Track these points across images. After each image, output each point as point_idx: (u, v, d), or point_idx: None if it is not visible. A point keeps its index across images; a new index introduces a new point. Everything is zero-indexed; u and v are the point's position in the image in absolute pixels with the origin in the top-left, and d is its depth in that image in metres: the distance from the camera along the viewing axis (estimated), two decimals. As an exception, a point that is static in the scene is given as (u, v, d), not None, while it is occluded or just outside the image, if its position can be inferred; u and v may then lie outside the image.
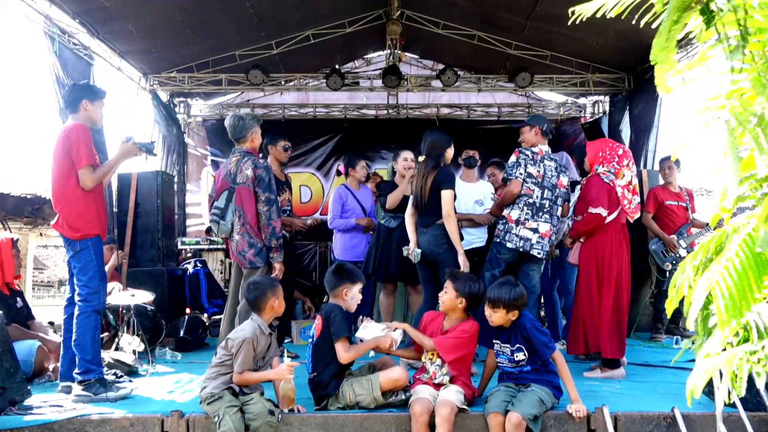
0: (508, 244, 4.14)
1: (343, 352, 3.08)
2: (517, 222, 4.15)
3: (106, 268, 4.71)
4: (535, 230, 4.14)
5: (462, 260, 3.97)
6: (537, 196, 4.18)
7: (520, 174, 4.17)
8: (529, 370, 3.11)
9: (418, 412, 2.89)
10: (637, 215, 4.19)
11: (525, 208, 4.16)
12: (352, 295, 3.26)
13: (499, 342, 3.19)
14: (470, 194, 5.14)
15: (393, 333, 3.22)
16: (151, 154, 3.75)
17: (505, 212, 4.25)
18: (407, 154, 4.96)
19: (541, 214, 4.18)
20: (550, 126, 4.44)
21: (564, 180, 4.31)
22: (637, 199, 4.14)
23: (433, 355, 3.21)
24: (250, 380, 2.99)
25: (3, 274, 4.22)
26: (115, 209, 6.21)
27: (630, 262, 4.14)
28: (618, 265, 4.02)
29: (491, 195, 5.30)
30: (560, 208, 4.32)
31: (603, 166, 4.12)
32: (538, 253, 4.15)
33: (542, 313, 6.00)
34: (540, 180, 4.20)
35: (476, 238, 5.11)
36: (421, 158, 4.23)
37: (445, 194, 4.02)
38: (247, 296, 3.21)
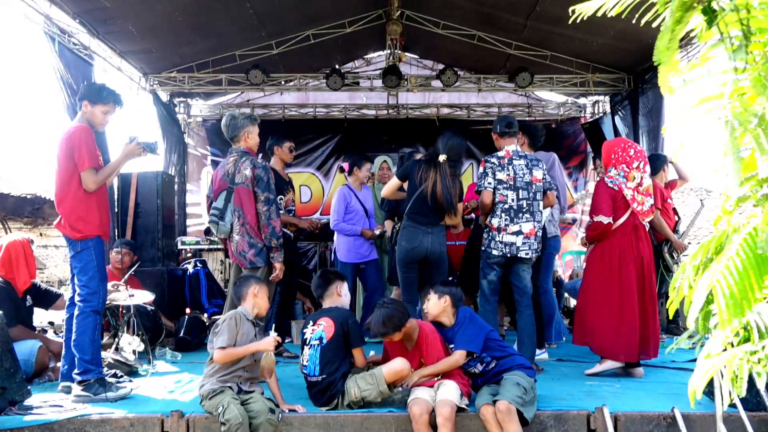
0: (494, 252, 4.14)
1: (362, 358, 3.23)
2: (499, 229, 4.14)
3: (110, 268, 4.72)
4: (518, 233, 4.13)
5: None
6: (512, 200, 4.16)
7: (489, 184, 4.16)
8: (493, 363, 3.17)
9: (417, 413, 2.90)
10: (650, 218, 4.14)
11: (503, 214, 4.15)
12: (345, 292, 3.41)
13: (449, 344, 3.25)
14: None
15: None
16: (155, 154, 3.76)
17: (487, 220, 4.27)
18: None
19: (521, 215, 4.16)
20: (506, 123, 4.36)
21: (538, 174, 4.27)
22: (650, 201, 4.08)
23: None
24: (234, 355, 2.97)
25: (29, 273, 4.25)
26: (115, 209, 6.21)
27: (651, 264, 4.09)
28: (628, 266, 3.98)
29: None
30: (541, 203, 4.29)
31: (615, 168, 4.10)
32: (526, 254, 4.15)
33: None
34: (512, 183, 4.18)
35: None
36: (442, 158, 4.13)
37: (461, 207, 4.25)
38: (233, 291, 3.30)
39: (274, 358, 3.06)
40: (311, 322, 3.31)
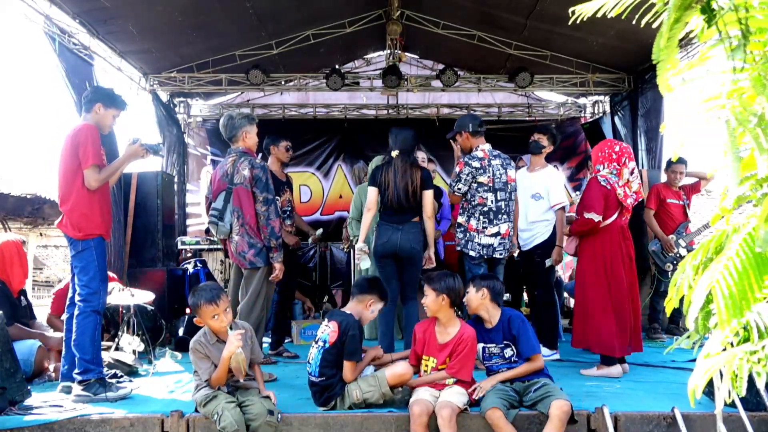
0: (471, 253, 4.17)
1: (350, 373, 3.12)
2: (477, 231, 4.18)
3: None
4: (496, 234, 4.18)
5: (432, 255, 4.10)
6: (492, 201, 4.20)
7: (459, 189, 4.19)
8: (517, 359, 3.17)
9: (417, 413, 2.89)
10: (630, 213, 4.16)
11: (481, 217, 4.18)
12: (373, 309, 3.32)
13: (484, 344, 3.22)
14: (527, 188, 4.76)
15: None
16: (158, 156, 3.79)
17: (462, 220, 4.29)
18: (422, 154, 4.92)
19: (500, 216, 4.21)
20: (478, 121, 4.36)
21: (512, 173, 4.32)
22: (636, 195, 4.09)
23: (427, 368, 3.21)
24: (221, 375, 2.91)
25: (24, 273, 4.28)
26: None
27: (634, 262, 4.15)
28: (619, 265, 4.03)
29: (558, 185, 4.79)
30: (514, 203, 4.33)
31: (604, 166, 4.12)
32: (501, 254, 4.23)
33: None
34: (491, 184, 4.20)
35: (534, 234, 4.75)
36: (394, 153, 4.14)
37: (429, 194, 4.06)
38: None
39: (242, 356, 2.89)
40: (326, 320, 3.30)
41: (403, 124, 9.25)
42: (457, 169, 4.27)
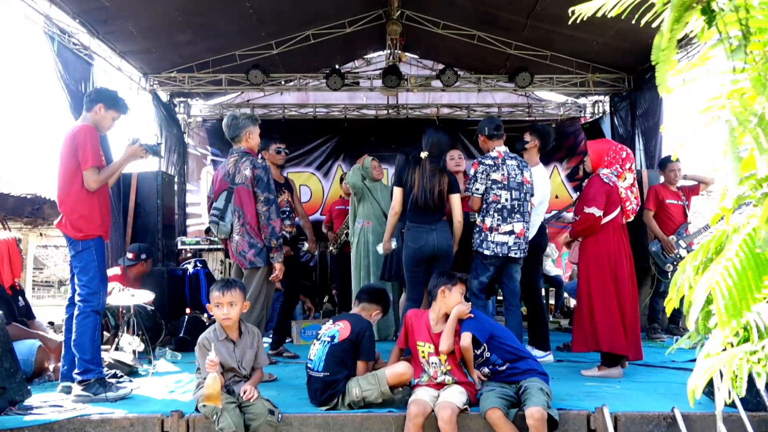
0: (486, 252, 4.17)
1: (363, 371, 3.20)
2: (491, 229, 4.18)
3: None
4: (510, 232, 4.17)
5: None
6: (506, 199, 4.21)
7: (477, 190, 4.20)
8: (501, 363, 3.13)
9: (414, 413, 2.90)
10: (632, 218, 4.18)
11: (495, 214, 4.19)
12: (375, 319, 3.41)
13: None
14: None
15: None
16: (157, 156, 3.79)
17: (478, 220, 4.29)
18: (455, 152, 4.98)
19: (513, 214, 4.20)
20: (494, 125, 4.39)
21: (527, 175, 4.34)
22: (636, 201, 4.14)
23: (424, 354, 3.21)
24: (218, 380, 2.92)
25: (12, 273, 4.27)
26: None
27: (633, 262, 4.13)
28: (621, 263, 4.01)
29: (536, 182, 4.65)
30: (529, 204, 4.34)
31: (608, 168, 4.11)
32: (515, 254, 4.20)
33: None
34: (506, 183, 4.22)
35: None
36: (423, 154, 4.18)
37: (456, 198, 4.13)
38: None
39: (216, 383, 2.76)
40: (331, 321, 3.35)
41: (403, 124, 9.26)
42: (471, 171, 4.29)
